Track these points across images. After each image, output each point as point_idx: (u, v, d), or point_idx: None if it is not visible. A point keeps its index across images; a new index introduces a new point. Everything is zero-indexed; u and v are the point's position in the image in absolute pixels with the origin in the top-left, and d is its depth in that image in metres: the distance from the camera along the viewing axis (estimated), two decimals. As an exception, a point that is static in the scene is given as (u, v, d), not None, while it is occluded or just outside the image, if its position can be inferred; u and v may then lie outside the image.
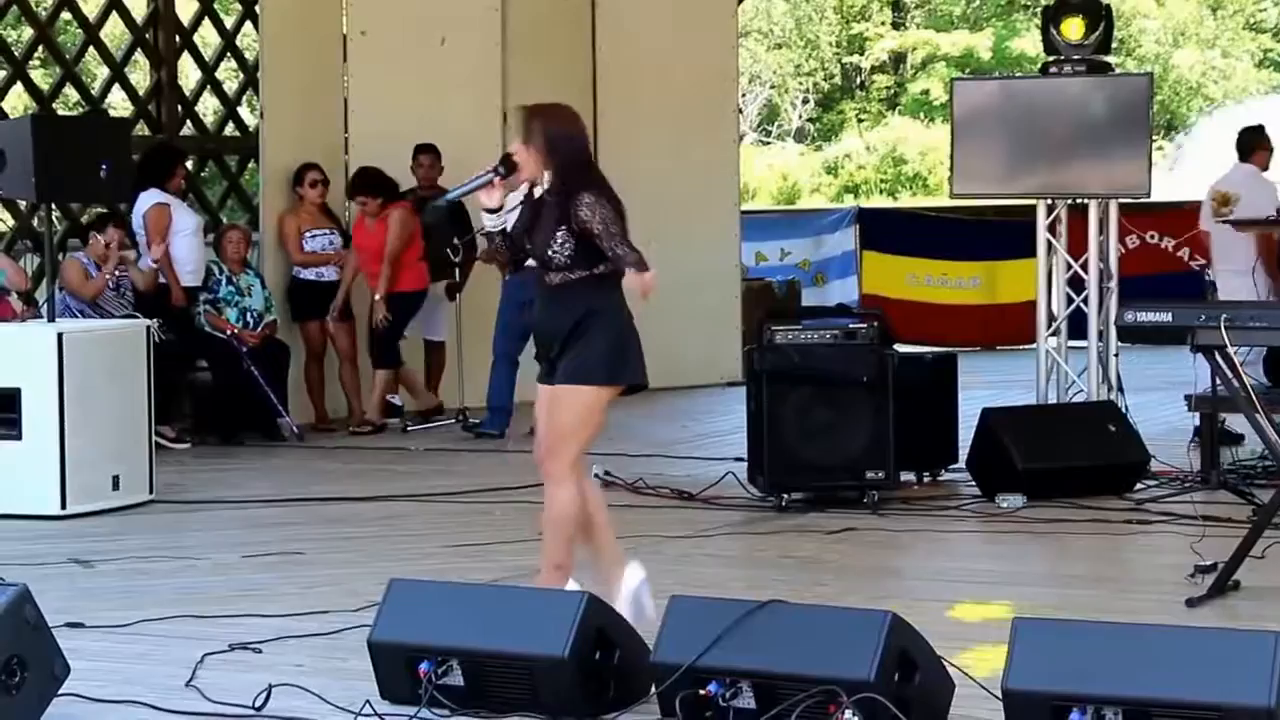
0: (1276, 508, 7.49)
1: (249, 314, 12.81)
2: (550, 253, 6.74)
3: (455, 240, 13.26)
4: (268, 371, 12.57)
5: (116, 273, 12.11)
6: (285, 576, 8.07)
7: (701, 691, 5.38)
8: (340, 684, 6.01)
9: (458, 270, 13.34)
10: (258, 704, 5.80)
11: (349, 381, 13.32)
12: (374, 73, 14.00)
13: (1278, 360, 10.64)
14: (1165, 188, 16.51)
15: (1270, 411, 7.50)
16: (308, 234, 13.25)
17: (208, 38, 16.32)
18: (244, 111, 15.50)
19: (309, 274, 13.23)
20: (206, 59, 15.30)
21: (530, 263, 6.98)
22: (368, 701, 5.75)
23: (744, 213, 17.19)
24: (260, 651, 6.58)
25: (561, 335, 6.78)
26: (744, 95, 33.94)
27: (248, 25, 14.97)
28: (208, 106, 16.27)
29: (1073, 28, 11.40)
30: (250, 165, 14.83)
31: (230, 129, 15.21)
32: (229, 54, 15.21)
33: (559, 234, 6.73)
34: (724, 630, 5.42)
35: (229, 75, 15.60)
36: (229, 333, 12.64)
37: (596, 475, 10.39)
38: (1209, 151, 29.86)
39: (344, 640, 6.64)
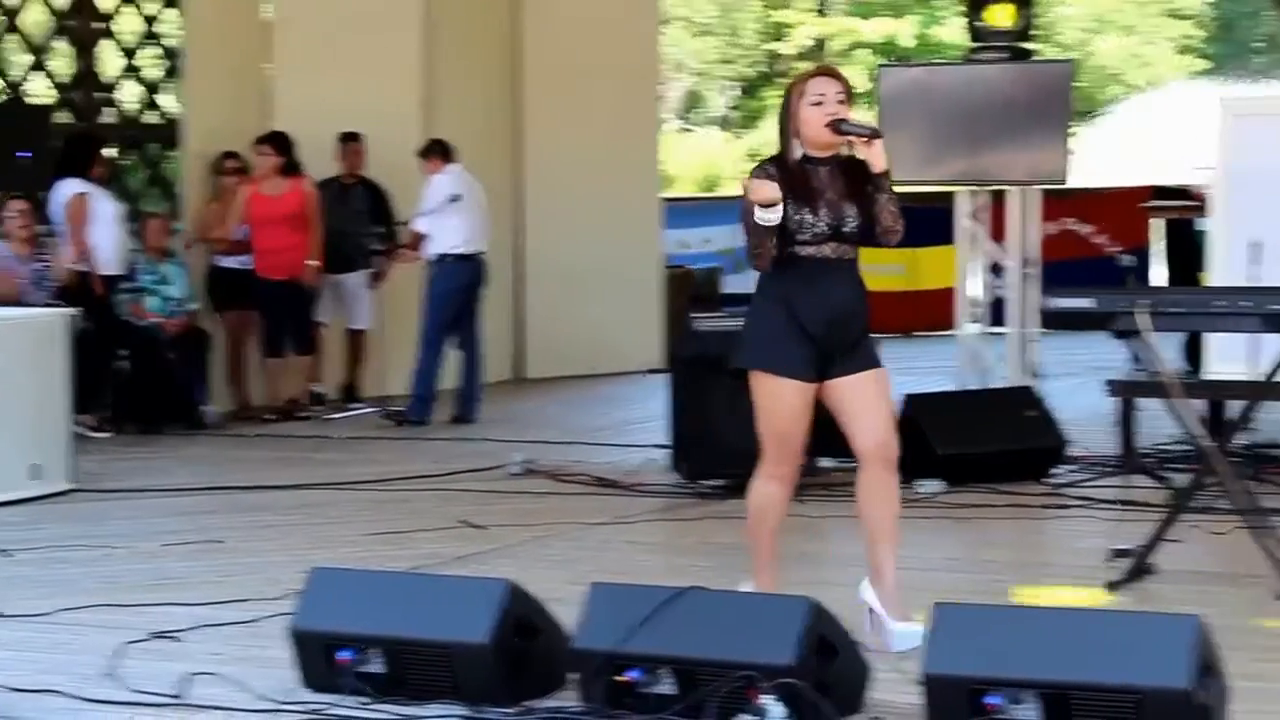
0: (1193, 492, 7.55)
1: (170, 302, 12.74)
2: (849, 226, 6.23)
3: (377, 229, 13.25)
4: (188, 360, 12.51)
5: (35, 264, 12.02)
6: (205, 565, 8.04)
7: (622, 678, 5.39)
8: (261, 672, 5.99)
9: (379, 259, 13.31)
10: (178, 693, 5.78)
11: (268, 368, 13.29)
12: (297, 60, 13.94)
13: (1196, 345, 10.72)
14: (1085, 174, 16.63)
15: (1187, 395, 7.56)
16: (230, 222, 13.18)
17: (128, 24, 16.19)
18: (165, 99, 15.39)
19: (230, 262, 13.16)
20: (128, 46, 15.18)
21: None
22: (288, 690, 5.73)
23: (666, 200, 17.22)
24: (180, 640, 6.55)
25: (862, 315, 6.33)
26: (666, 82, 33.93)
27: (169, 12, 14.86)
28: (129, 94, 16.14)
29: (998, 14, 11.46)
30: (171, 153, 14.73)
31: (151, 116, 15.11)
32: (150, 41, 15.10)
33: (850, 205, 6.22)
34: (645, 617, 5.43)
35: (150, 62, 15.46)
36: (150, 321, 12.57)
37: (517, 463, 10.41)
38: (1129, 138, 30.06)
39: (265, 628, 6.62)
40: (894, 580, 6.35)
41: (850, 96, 6.21)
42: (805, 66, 39.13)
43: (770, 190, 6.08)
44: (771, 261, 6.21)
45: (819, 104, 6.18)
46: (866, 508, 6.45)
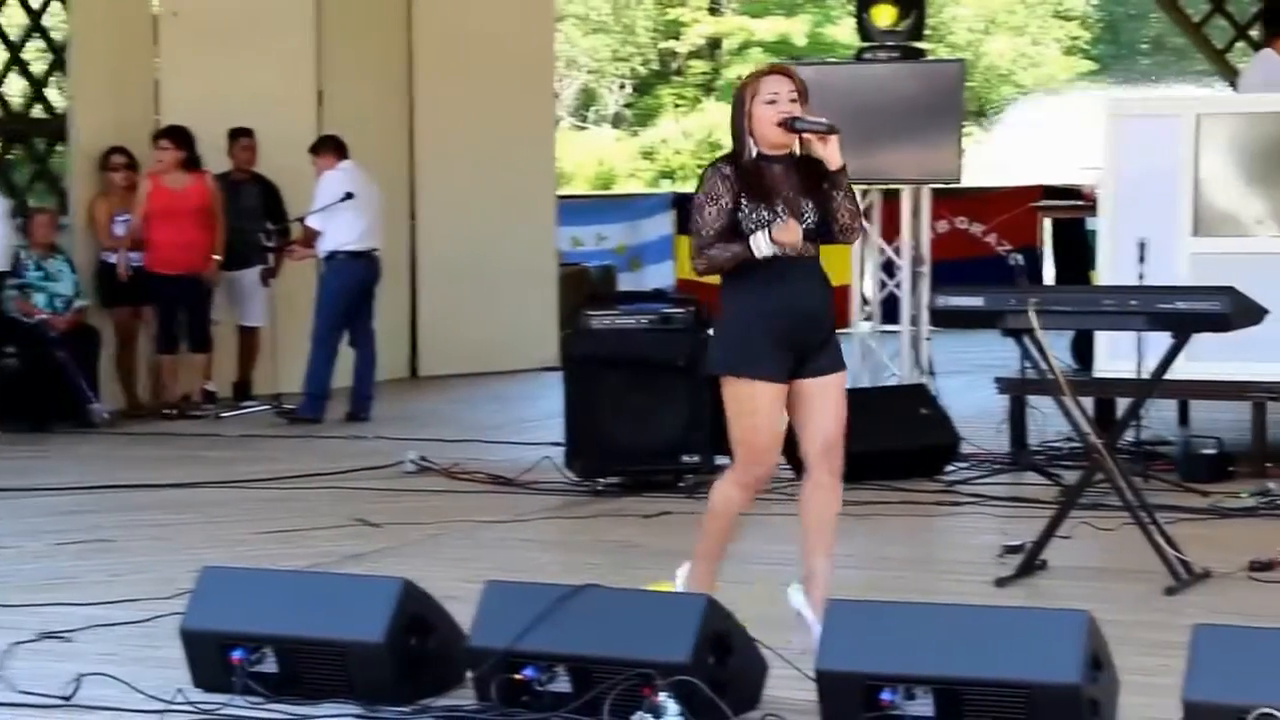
0: (1082, 489, 7.63)
1: (57, 299, 12.62)
2: (806, 223, 6.16)
3: (269, 225, 13.17)
4: (77, 357, 12.40)
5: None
6: (96, 565, 7.97)
7: (517, 676, 5.39)
8: (152, 672, 5.94)
9: (271, 256, 13.24)
10: (68, 694, 5.73)
11: (157, 366, 13.20)
12: (186, 54, 13.84)
13: (1085, 343, 10.83)
14: (976, 174, 16.74)
15: (1076, 393, 7.63)
16: (118, 218, 13.07)
17: (13, 17, 16.02)
18: (52, 93, 15.25)
19: (119, 258, 13.05)
20: (12, 39, 15.02)
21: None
22: (180, 690, 5.69)
23: (560, 198, 17.22)
24: (71, 640, 6.49)
25: (829, 314, 6.28)
26: (561, 80, 33.91)
27: (55, 5, 14.71)
28: (14, 88, 15.97)
29: (884, 14, 11.52)
30: (58, 148, 14.59)
31: (38, 111, 14.96)
32: (36, 34, 14.94)
33: (808, 201, 6.18)
34: (540, 614, 5.43)
35: (36, 56, 15.32)
36: (37, 318, 12.45)
37: (412, 461, 10.38)
38: (1019, 138, 30.29)
39: (156, 628, 6.57)
40: (827, 587, 6.24)
41: (803, 95, 6.20)
42: (700, 65, 39.18)
43: (796, 235, 6.07)
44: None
45: (773, 102, 6.16)
46: (806, 513, 6.34)
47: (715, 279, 6.30)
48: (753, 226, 6.11)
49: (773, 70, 6.32)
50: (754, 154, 6.20)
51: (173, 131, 12.93)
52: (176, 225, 12.77)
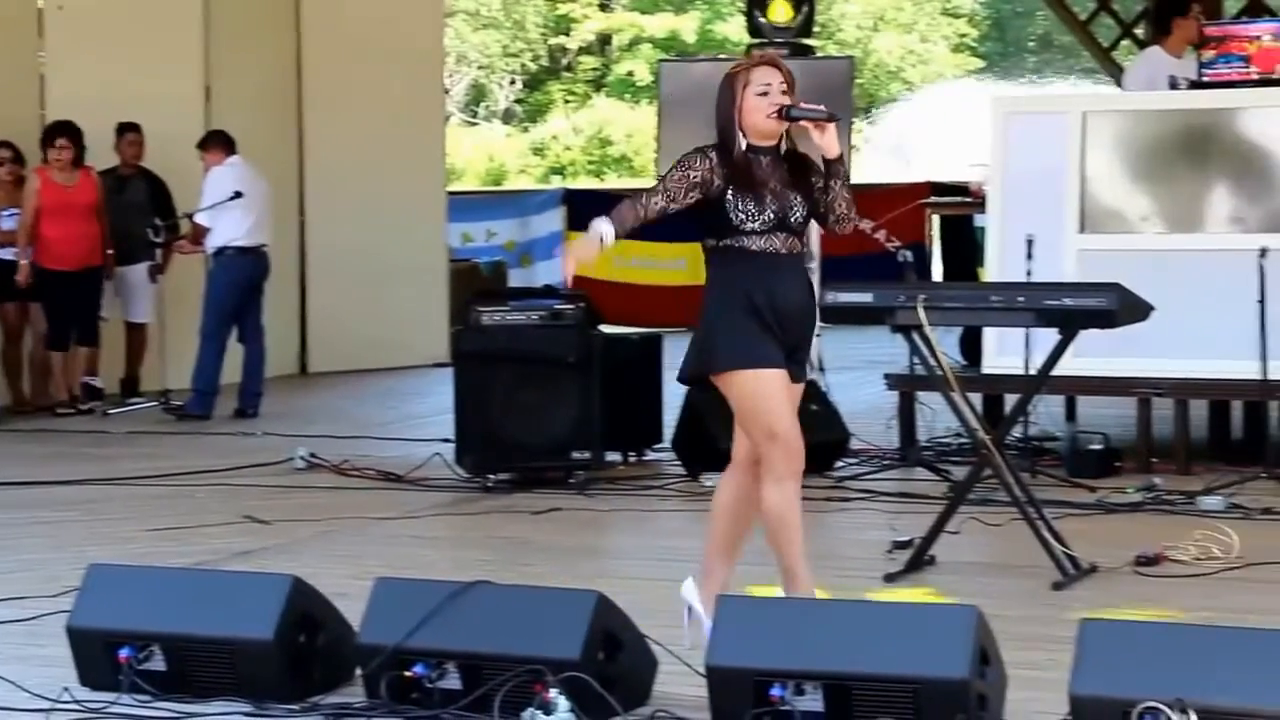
0: (971, 484, 7.68)
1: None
2: (795, 216, 6.07)
3: (157, 221, 13.06)
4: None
5: None
6: (-20, 563, 7.89)
7: (407, 673, 5.37)
8: (38, 671, 5.88)
9: (159, 252, 13.14)
10: (-49, 694, 5.67)
11: (42, 362, 13.07)
12: (72, 48, 13.71)
13: (973, 339, 10.90)
14: (864, 170, 16.81)
15: (965, 389, 7.68)
16: (3, 213, 12.93)
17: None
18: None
19: (4, 253, 12.91)
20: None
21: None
22: (66, 689, 5.63)
23: (450, 193, 17.19)
24: (-46, 640, 6.43)
25: (813, 316, 6.22)
26: (451, 75, 33.83)
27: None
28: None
29: (779, 10, 11.56)
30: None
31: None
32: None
33: (795, 195, 6.07)
34: (430, 612, 5.41)
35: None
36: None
37: (301, 458, 10.33)
38: (908, 135, 30.48)
39: (42, 627, 6.50)
40: (808, 588, 6.16)
41: (791, 87, 6.10)
42: (590, 61, 39.18)
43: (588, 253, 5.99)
44: (717, 255, 6.10)
45: (765, 94, 6.06)
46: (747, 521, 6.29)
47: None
48: (741, 217, 6.00)
49: (763, 61, 6.21)
50: (743, 145, 6.10)
51: (69, 129, 12.81)
52: (68, 221, 12.67)
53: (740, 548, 6.33)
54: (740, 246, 6.05)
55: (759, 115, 6.08)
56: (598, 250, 5.97)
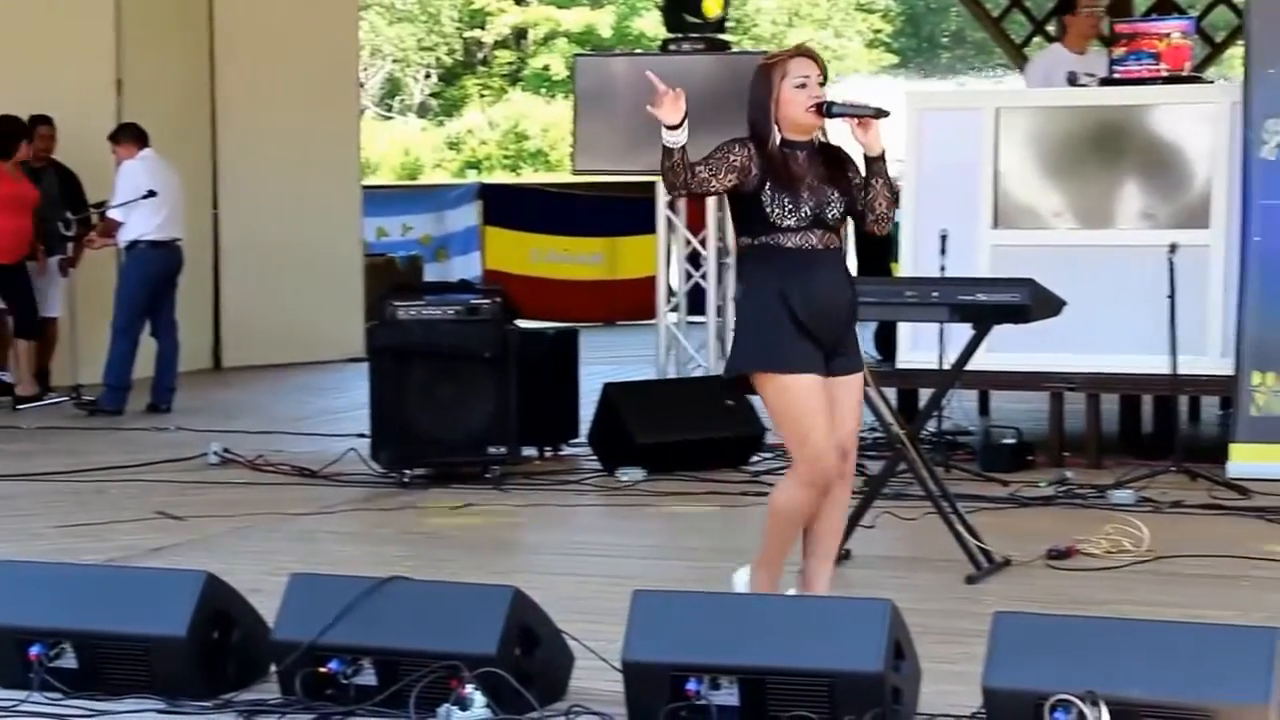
0: (886, 479, 7.71)
1: None
2: (832, 212, 5.93)
3: (68, 214, 12.96)
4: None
5: None
6: (-111, 560, 7.79)
7: (322, 669, 5.35)
8: (-52, 670, 5.83)
9: (70, 245, 13.04)
10: None
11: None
12: (-18, 40, 13.58)
13: (887, 334, 10.95)
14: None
15: (880, 384, 7.71)
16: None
17: None
18: None
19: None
20: None
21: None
22: (-23, 687, 5.59)
23: (365, 188, 17.12)
24: None
25: (853, 311, 6.01)
26: (365, 69, 33.70)
27: None
28: None
29: (713, 5, 11.59)
30: None
31: None
32: None
33: (832, 190, 5.93)
34: (345, 607, 5.40)
35: None
36: None
37: (215, 453, 10.27)
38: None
39: (-48, 625, 6.43)
40: (827, 589, 6.16)
41: (825, 79, 5.95)
42: (506, 55, 39.02)
43: (674, 111, 5.80)
44: (752, 252, 5.93)
45: (803, 86, 5.89)
46: (813, 519, 6.14)
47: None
48: (777, 213, 5.84)
49: (799, 52, 6.01)
50: (777, 140, 5.94)
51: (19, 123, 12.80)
52: (15, 214, 12.65)
53: (826, 542, 6.23)
54: (776, 244, 5.89)
55: (797, 108, 5.92)
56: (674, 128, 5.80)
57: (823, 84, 5.92)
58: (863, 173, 6.00)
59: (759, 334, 5.93)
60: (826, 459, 5.97)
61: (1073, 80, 10.35)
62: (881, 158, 5.95)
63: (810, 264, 5.91)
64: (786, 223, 5.88)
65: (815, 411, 5.90)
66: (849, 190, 5.97)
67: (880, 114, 5.90)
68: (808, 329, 5.89)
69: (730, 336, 10.78)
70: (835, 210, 5.94)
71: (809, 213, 5.89)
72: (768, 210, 5.87)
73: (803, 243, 5.90)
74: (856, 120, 5.91)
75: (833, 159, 6.01)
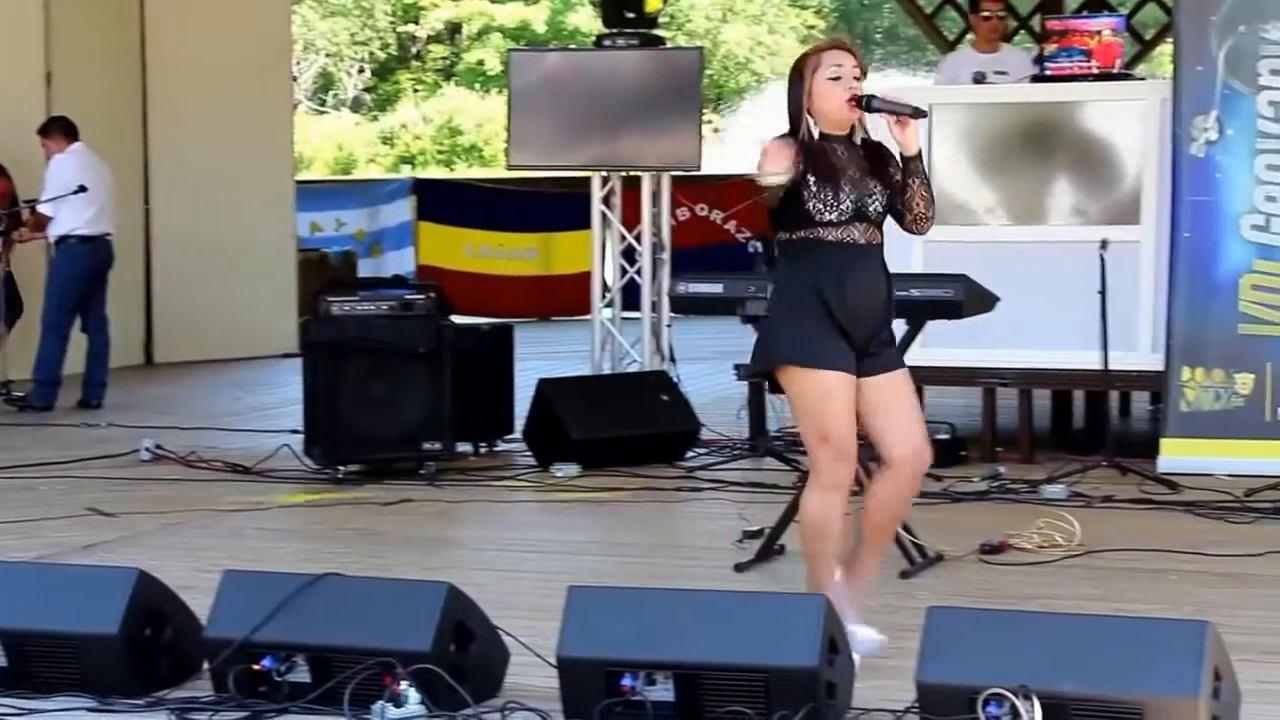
0: (819, 474, 7.71)
1: None
2: (874, 206, 5.79)
3: (-2, 209, 12.89)
4: None
5: None
6: None
7: (255, 666, 5.33)
8: (-124, 669, 5.78)
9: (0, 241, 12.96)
10: None
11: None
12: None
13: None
14: (715, 161, 16.87)
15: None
16: None
17: None
18: None
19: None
20: None
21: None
22: (-94, 686, 5.55)
23: (299, 182, 17.06)
24: None
25: (890, 308, 5.88)
26: (298, 63, 33.57)
27: None
28: None
29: (655, 0, 11.62)
30: None
31: None
32: None
33: (874, 183, 5.80)
34: (278, 604, 5.37)
35: None
36: None
37: (147, 449, 10.22)
38: (758, 125, 30.61)
39: (-120, 623, 6.38)
40: (870, 581, 6.10)
41: (864, 73, 5.84)
42: (440, 50, 38.95)
43: (783, 161, 5.68)
44: (791, 247, 5.80)
45: (838, 78, 5.76)
46: (878, 513, 6.02)
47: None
48: (818, 207, 5.70)
49: (834, 45, 5.89)
50: (815, 133, 5.80)
51: None
52: None
53: (871, 552, 6.16)
54: (816, 238, 5.76)
55: (832, 100, 5.78)
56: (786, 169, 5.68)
57: (859, 77, 5.81)
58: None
59: (790, 328, 5.80)
60: (847, 460, 5.87)
61: (979, 79, 10.43)
62: (919, 157, 5.84)
63: (850, 260, 5.77)
64: (827, 217, 5.73)
65: (839, 411, 5.78)
66: (890, 184, 5.85)
67: (919, 113, 5.81)
68: (842, 326, 5.77)
69: (664, 332, 10.77)
70: (877, 203, 5.81)
71: (850, 206, 5.75)
72: (808, 205, 5.73)
73: (844, 236, 5.77)
74: (895, 118, 5.80)
75: (874, 153, 5.89)
